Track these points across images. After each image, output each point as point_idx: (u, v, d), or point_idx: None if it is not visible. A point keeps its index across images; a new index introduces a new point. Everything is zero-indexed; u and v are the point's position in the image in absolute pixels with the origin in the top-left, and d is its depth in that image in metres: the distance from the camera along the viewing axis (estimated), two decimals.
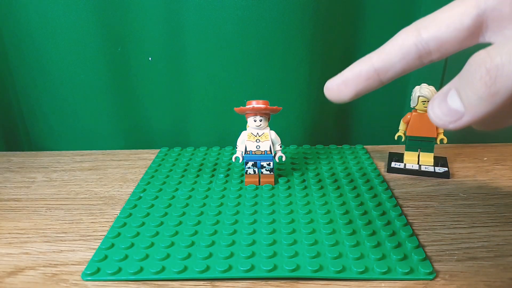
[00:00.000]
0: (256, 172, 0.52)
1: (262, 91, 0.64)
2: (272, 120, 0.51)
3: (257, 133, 0.51)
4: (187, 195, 0.50)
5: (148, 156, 0.64)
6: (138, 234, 0.42)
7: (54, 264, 0.38)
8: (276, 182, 0.53)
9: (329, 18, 0.61)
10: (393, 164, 0.57)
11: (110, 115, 0.68)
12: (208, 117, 0.67)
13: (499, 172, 0.55)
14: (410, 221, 0.44)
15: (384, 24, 0.62)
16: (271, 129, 0.51)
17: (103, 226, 0.44)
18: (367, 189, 0.50)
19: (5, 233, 0.43)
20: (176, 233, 0.42)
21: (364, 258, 0.37)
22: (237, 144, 0.52)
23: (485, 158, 0.60)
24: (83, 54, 0.63)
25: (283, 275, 0.35)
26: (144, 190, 0.52)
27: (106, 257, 0.38)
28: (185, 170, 0.58)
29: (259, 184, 0.52)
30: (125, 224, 0.44)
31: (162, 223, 0.44)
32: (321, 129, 0.69)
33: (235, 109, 0.49)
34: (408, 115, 0.56)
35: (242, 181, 0.53)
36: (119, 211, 0.47)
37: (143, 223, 0.44)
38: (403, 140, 0.57)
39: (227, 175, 0.55)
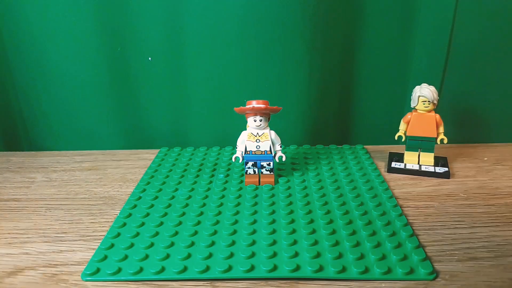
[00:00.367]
0: (256, 172, 0.52)
1: (262, 91, 0.64)
2: (272, 120, 0.51)
3: (257, 133, 0.51)
4: (187, 195, 0.50)
5: (148, 156, 0.64)
6: (138, 234, 0.42)
7: (54, 264, 0.38)
8: (276, 182, 0.53)
9: (329, 18, 0.61)
10: (393, 164, 0.57)
11: (110, 115, 0.68)
12: (208, 117, 0.67)
13: (499, 172, 0.55)
14: (410, 221, 0.44)
15: (384, 24, 0.62)
16: (271, 129, 0.51)
17: (103, 226, 0.44)
18: (367, 189, 0.50)
19: (5, 233, 0.43)
20: (176, 233, 0.42)
21: (364, 258, 0.37)
22: (237, 144, 0.52)
23: (486, 158, 0.60)
24: (83, 54, 0.63)
25: (283, 275, 0.35)
26: (144, 190, 0.52)
27: (106, 257, 0.38)
28: (185, 170, 0.58)
29: (259, 184, 0.52)
30: (125, 224, 0.44)
31: (162, 223, 0.44)
32: (321, 129, 0.69)
33: (235, 109, 0.49)
34: (408, 115, 0.56)
35: (242, 181, 0.53)
36: (119, 211, 0.47)
37: (143, 223, 0.44)
38: (403, 140, 0.57)
39: (227, 175, 0.55)
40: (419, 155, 0.57)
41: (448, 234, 0.41)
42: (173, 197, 0.50)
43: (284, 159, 0.52)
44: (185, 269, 0.36)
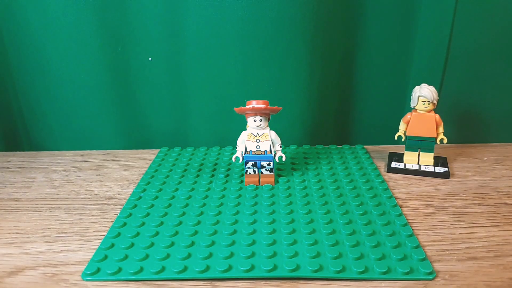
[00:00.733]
0: (256, 172, 0.52)
1: (262, 91, 0.64)
2: (272, 120, 0.52)
3: (257, 133, 0.51)
4: (187, 195, 0.50)
5: (148, 156, 0.64)
6: (138, 234, 0.42)
7: (54, 264, 0.38)
8: (276, 182, 0.53)
9: (329, 18, 0.61)
10: (393, 164, 0.57)
11: (110, 115, 0.68)
12: (208, 117, 0.67)
13: (499, 172, 0.55)
14: (410, 221, 0.44)
15: (384, 24, 0.62)
16: (271, 129, 0.51)
17: (103, 226, 0.44)
18: (367, 189, 0.50)
19: (5, 233, 0.43)
20: (176, 233, 0.42)
21: (364, 258, 0.37)
22: (237, 144, 0.52)
23: (485, 158, 0.60)
24: (83, 54, 0.63)
25: (283, 275, 0.35)
26: (144, 190, 0.52)
27: (106, 257, 0.38)
28: (185, 170, 0.58)
29: (259, 184, 0.52)
30: (125, 224, 0.44)
31: (162, 223, 0.44)
32: (321, 129, 0.69)
33: (235, 109, 0.49)
34: (408, 115, 0.56)
35: (242, 181, 0.53)
36: (119, 211, 0.47)
37: (143, 223, 0.44)
38: (403, 140, 0.57)
39: (227, 175, 0.55)
40: (418, 155, 0.57)
41: (447, 234, 0.41)
42: (173, 197, 0.50)
43: (284, 159, 0.52)
44: (185, 269, 0.36)
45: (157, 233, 0.42)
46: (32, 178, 0.57)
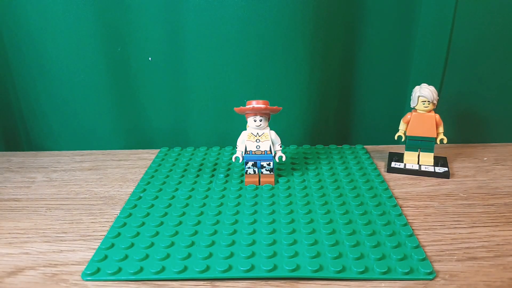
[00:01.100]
0: (256, 172, 0.52)
1: (262, 91, 0.64)
2: (272, 120, 0.52)
3: (257, 133, 0.51)
4: (187, 195, 0.50)
5: (148, 156, 0.64)
6: (138, 234, 0.42)
7: (54, 264, 0.38)
8: (276, 182, 0.53)
9: (329, 18, 0.61)
10: (393, 164, 0.57)
11: (110, 115, 0.68)
12: (208, 117, 0.67)
13: (499, 172, 0.55)
14: (410, 221, 0.44)
15: (384, 24, 0.62)
16: (271, 129, 0.51)
17: (103, 226, 0.44)
18: (367, 189, 0.50)
19: (5, 233, 0.43)
20: (176, 233, 0.42)
21: (364, 258, 0.37)
22: (237, 144, 0.52)
23: (485, 158, 0.60)
24: (83, 54, 0.63)
25: (283, 275, 0.35)
26: (144, 190, 0.52)
27: (106, 257, 0.38)
28: (185, 170, 0.58)
29: (259, 184, 0.52)
30: (125, 224, 0.44)
31: (162, 223, 0.44)
32: (321, 129, 0.69)
33: (235, 109, 0.49)
34: (408, 115, 0.56)
35: (242, 181, 0.53)
36: (119, 211, 0.47)
37: (143, 223, 0.44)
38: (403, 140, 0.57)
39: (227, 175, 0.55)
40: (418, 155, 0.57)
41: (447, 234, 0.41)
42: (173, 197, 0.50)
43: (284, 159, 0.52)
44: (185, 268, 0.36)
45: (157, 233, 0.42)
46: (32, 178, 0.57)
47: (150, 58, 0.64)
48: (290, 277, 0.35)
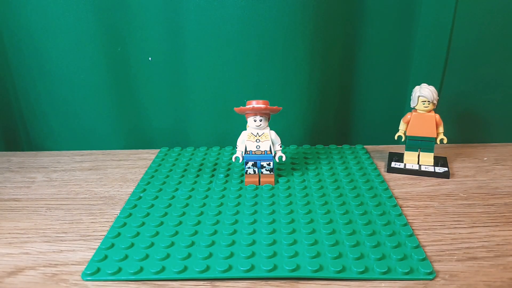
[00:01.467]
0: (256, 172, 0.52)
1: (262, 91, 0.64)
2: (272, 120, 0.52)
3: (257, 133, 0.51)
4: (187, 195, 0.50)
5: (148, 156, 0.64)
6: (138, 234, 0.42)
7: (54, 264, 0.38)
8: (276, 182, 0.53)
9: (329, 18, 0.61)
10: (393, 164, 0.57)
11: (110, 115, 0.68)
12: (208, 117, 0.67)
13: (499, 172, 0.55)
14: (410, 221, 0.44)
15: (384, 24, 0.62)
16: (271, 129, 0.51)
17: (103, 226, 0.44)
18: (367, 189, 0.50)
19: (5, 233, 0.43)
20: (176, 233, 0.42)
21: (364, 258, 0.37)
22: (237, 144, 0.52)
23: (485, 158, 0.60)
24: (83, 54, 0.63)
25: (283, 275, 0.35)
26: (144, 190, 0.52)
27: (106, 257, 0.38)
28: (185, 170, 0.58)
29: (259, 184, 0.52)
30: (125, 224, 0.44)
31: (162, 223, 0.44)
32: (321, 129, 0.69)
33: (235, 109, 0.49)
34: (408, 115, 0.56)
35: (242, 181, 0.53)
36: (119, 211, 0.47)
37: (143, 223, 0.44)
38: (403, 140, 0.57)
39: (227, 175, 0.55)
40: (418, 155, 0.57)
41: (447, 234, 0.41)
42: (173, 197, 0.50)
43: (284, 159, 0.52)
44: (185, 268, 0.36)
45: (157, 233, 0.42)
46: (32, 178, 0.57)
47: (150, 58, 0.64)
48: (290, 277, 0.35)
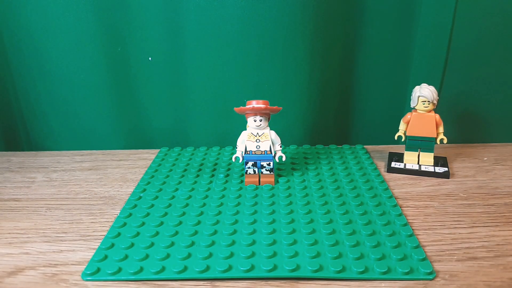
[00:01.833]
0: (256, 172, 0.52)
1: (262, 91, 0.64)
2: (272, 120, 0.52)
3: (257, 133, 0.51)
4: (187, 195, 0.50)
5: (148, 156, 0.64)
6: (138, 234, 0.42)
7: (54, 264, 0.38)
8: (276, 182, 0.53)
9: (329, 18, 0.61)
10: (393, 164, 0.57)
11: (110, 115, 0.68)
12: (208, 117, 0.67)
13: (499, 172, 0.55)
14: (410, 221, 0.44)
15: (384, 24, 0.62)
16: (271, 129, 0.51)
17: (103, 226, 0.44)
18: (367, 189, 0.50)
19: (5, 233, 0.43)
20: (176, 233, 0.42)
21: (364, 258, 0.37)
22: (237, 144, 0.52)
23: (485, 158, 0.60)
24: (83, 54, 0.63)
25: (283, 275, 0.35)
26: (144, 190, 0.52)
27: (106, 257, 0.38)
28: (185, 170, 0.58)
29: (259, 184, 0.52)
30: (125, 224, 0.44)
31: (162, 223, 0.44)
32: (321, 129, 0.69)
33: (235, 109, 0.49)
34: (408, 115, 0.56)
35: (242, 181, 0.53)
36: (119, 211, 0.47)
37: (143, 223, 0.44)
38: (403, 140, 0.57)
39: (227, 175, 0.55)
40: (418, 155, 0.57)
41: (447, 234, 0.41)
42: (173, 197, 0.50)
43: (284, 159, 0.52)
44: (185, 268, 0.36)
45: (157, 233, 0.42)
46: (32, 178, 0.57)
47: (150, 58, 0.64)
48: (290, 277, 0.35)
